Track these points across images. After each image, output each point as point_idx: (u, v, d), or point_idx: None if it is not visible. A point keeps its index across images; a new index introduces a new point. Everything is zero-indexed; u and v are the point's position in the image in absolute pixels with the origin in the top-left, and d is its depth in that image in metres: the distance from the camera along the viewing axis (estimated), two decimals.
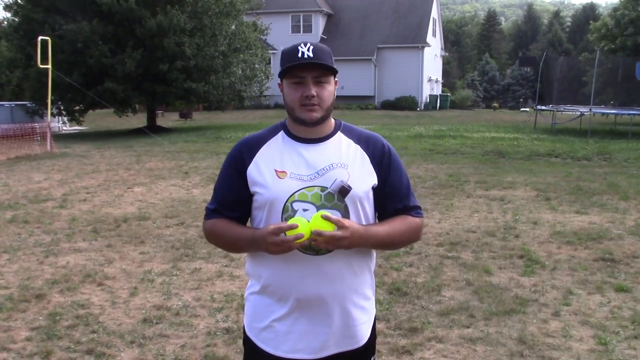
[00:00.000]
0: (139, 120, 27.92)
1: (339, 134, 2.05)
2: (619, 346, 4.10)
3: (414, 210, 2.10)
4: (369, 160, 2.02)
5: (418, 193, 10.05)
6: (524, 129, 24.42)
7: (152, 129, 23.63)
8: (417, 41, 43.47)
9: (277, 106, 41.75)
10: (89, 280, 5.64)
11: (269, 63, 34.79)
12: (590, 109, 22.75)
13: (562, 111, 25.71)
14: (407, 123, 28.01)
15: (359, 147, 2.03)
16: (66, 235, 7.42)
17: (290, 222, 1.82)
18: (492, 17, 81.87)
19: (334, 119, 2.09)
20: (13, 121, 22.71)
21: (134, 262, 6.27)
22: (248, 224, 2.10)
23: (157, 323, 4.58)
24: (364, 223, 1.98)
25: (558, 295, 5.12)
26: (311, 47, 1.91)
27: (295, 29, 44.55)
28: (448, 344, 4.16)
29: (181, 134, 23.67)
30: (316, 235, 1.81)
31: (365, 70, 43.48)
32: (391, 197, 2.06)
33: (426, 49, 43.88)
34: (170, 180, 11.76)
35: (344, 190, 1.91)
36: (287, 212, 1.92)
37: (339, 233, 1.82)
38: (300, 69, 1.91)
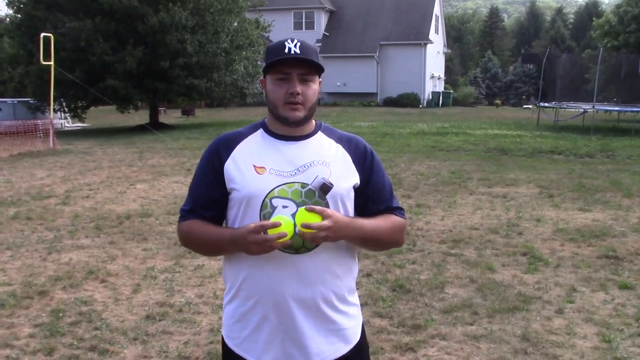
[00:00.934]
0: (141, 117, 27.93)
1: (320, 133, 2.00)
2: (623, 343, 4.09)
3: (398, 211, 2.05)
4: (350, 160, 1.96)
5: (420, 190, 10.04)
6: (527, 126, 24.39)
7: (155, 126, 23.61)
8: (420, 38, 43.40)
9: None
10: (91, 277, 5.64)
11: None
12: (593, 106, 22.69)
13: (564, 108, 25.64)
14: (410, 120, 27.98)
15: (340, 146, 1.98)
16: (69, 232, 7.42)
17: (273, 219, 1.75)
18: (494, 14, 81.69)
19: (314, 119, 2.03)
20: (15, 118, 22.76)
21: (137, 258, 6.27)
22: (223, 225, 2.03)
23: (160, 320, 4.58)
24: None
25: (561, 293, 5.11)
26: (298, 44, 1.86)
27: (298, 25, 44.50)
28: (451, 341, 4.15)
29: (183, 130, 23.68)
30: (305, 227, 1.73)
31: (367, 67, 43.44)
32: (374, 199, 1.99)
33: (428, 45, 43.81)
34: (172, 177, 11.76)
35: (325, 188, 1.84)
36: (266, 208, 1.85)
37: (326, 222, 1.74)
38: (286, 65, 1.86)
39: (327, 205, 1.86)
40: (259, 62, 28.36)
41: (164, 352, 4.05)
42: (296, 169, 1.88)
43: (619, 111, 25.12)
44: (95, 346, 4.11)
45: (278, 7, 42.50)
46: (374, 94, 43.63)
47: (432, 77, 46.36)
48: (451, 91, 49.91)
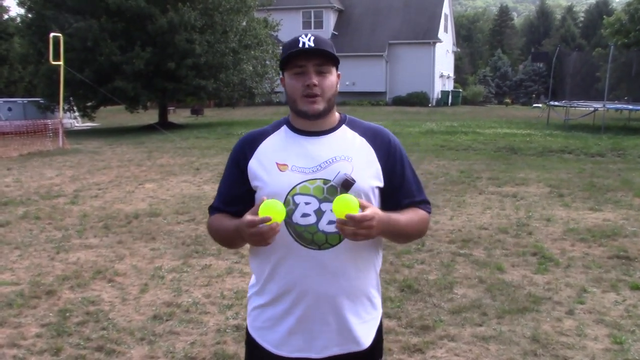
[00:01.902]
0: (150, 116, 28.02)
1: (344, 127, 1.99)
2: (634, 345, 4.03)
3: (424, 204, 2.06)
4: (374, 154, 1.96)
5: (429, 189, 9.99)
6: (537, 125, 24.25)
7: (164, 126, 23.68)
8: (429, 37, 43.27)
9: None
10: (99, 277, 5.64)
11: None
12: (604, 105, 22.53)
13: (575, 107, 25.48)
14: (419, 119, 27.91)
15: (364, 140, 1.97)
16: (77, 231, 7.43)
17: (262, 213, 1.72)
18: (504, 13, 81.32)
19: (339, 112, 2.03)
20: (26, 117, 22.87)
21: (145, 258, 6.26)
22: None
23: (167, 320, 4.56)
24: None
25: (572, 293, 5.05)
26: (312, 37, 1.88)
27: (306, 25, 44.47)
28: (460, 343, 4.11)
29: (192, 130, 23.71)
30: (349, 218, 1.70)
31: (376, 66, 43.36)
32: (403, 192, 2.00)
33: (438, 44, 43.68)
34: (181, 177, 11.77)
35: (347, 184, 1.84)
36: (289, 205, 1.86)
37: (369, 213, 1.73)
38: (301, 58, 1.87)
39: None
40: (267, 62, 28.35)
41: (171, 352, 4.03)
42: (318, 165, 1.89)
43: (630, 110, 24.93)
44: (102, 346, 4.10)
45: (287, 7, 42.49)
46: (383, 93, 43.54)
47: (442, 76, 46.21)
48: (460, 90, 49.72)
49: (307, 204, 1.86)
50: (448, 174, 11.68)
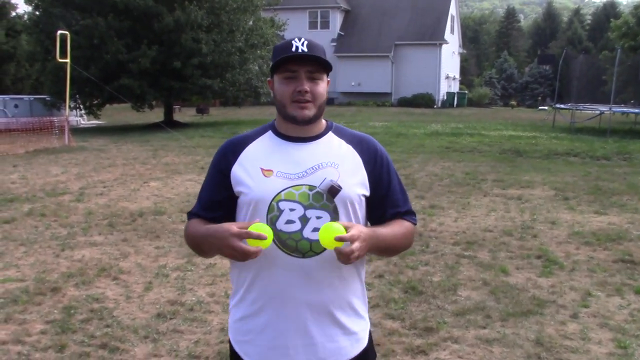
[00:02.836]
0: (156, 115, 28.07)
1: (330, 134, 1.95)
2: (639, 350, 4.02)
3: (409, 215, 2.00)
4: (361, 162, 1.91)
5: (434, 191, 9.98)
6: (542, 128, 24.21)
7: (169, 124, 23.71)
8: (435, 38, 43.25)
9: None
10: (104, 274, 5.65)
11: None
12: (610, 108, 22.47)
13: (581, 110, 25.43)
14: (424, 120, 27.87)
15: (350, 147, 1.93)
16: (82, 228, 7.45)
17: (259, 230, 1.69)
18: (511, 15, 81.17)
19: (325, 119, 1.99)
20: (32, 115, 22.93)
21: (149, 256, 6.28)
22: None
23: (171, 318, 4.57)
24: None
25: (576, 297, 5.04)
26: (305, 42, 1.83)
27: (313, 25, 44.51)
28: (464, 345, 4.10)
29: (198, 129, 23.75)
30: (339, 240, 1.67)
31: (382, 67, 43.35)
32: (388, 201, 1.96)
33: (444, 46, 43.64)
34: (186, 175, 11.78)
35: (333, 190, 1.80)
36: (273, 211, 1.81)
37: (354, 232, 1.69)
38: (293, 63, 1.82)
39: (335, 209, 1.84)
40: None
41: (174, 350, 4.04)
42: (304, 171, 1.85)
43: (636, 113, 24.85)
44: (106, 344, 4.11)
45: (293, 6, 42.49)
46: (389, 94, 43.52)
47: (447, 77, 46.17)
48: (466, 92, 49.67)
49: (291, 210, 1.81)
50: (453, 175, 11.67)
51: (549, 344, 4.10)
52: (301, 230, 1.81)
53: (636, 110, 24.79)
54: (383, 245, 1.88)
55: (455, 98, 45.62)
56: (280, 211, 1.82)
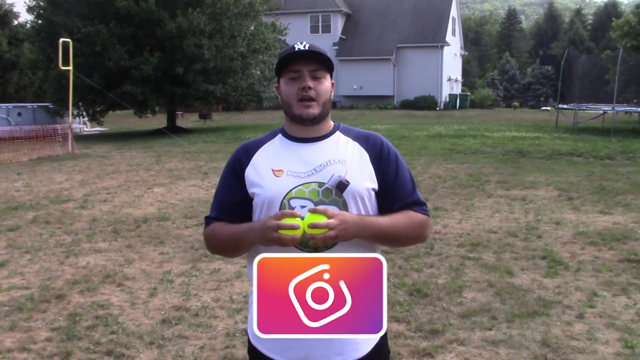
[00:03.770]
0: (159, 121, 28.11)
1: (337, 133, 2.04)
2: None
3: (417, 206, 2.03)
4: (368, 158, 1.99)
5: (438, 193, 9.97)
6: (545, 128, 24.17)
7: (172, 130, 23.75)
8: (437, 40, 43.27)
9: None
10: (108, 281, 5.65)
11: None
12: (613, 107, 22.43)
13: (584, 110, 25.38)
14: (427, 123, 27.86)
15: (356, 144, 2.01)
16: (87, 235, 7.46)
17: (293, 221, 1.76)
18: (512, 16, 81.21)
19: (333, 121, 2.08)
20: (35, 122, 23.00)
21: (154, 262, 6.28)
22: None
23: (176, 324, 4.57)
24: None
25: (582, 297, 5.02)
26: (307, 44, 1.93)
27: (314, 29, 44.56)
28: (470, 347, 4.09)
29: (201, 134, 23.77)
30: (312, 227, 1.74)
31: (384, 69, 43.37)
32: (395, 194, 2.00)
33: (445, 48, 43.64)
34: (189, 181, 11.79)
35: (341, 185, 1.88)
36: (285, 209, 1.90)
37: (333, 221, 1.76)
38: (296, 63, 1.92)
39: (344, 203, 1.91)
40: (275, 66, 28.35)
41: (180, 356, 4.04)
42: (313, 169, 1.93)
43: (639, 112, 24.78)
44: (111, 350, 4.11)
45: (294, 11, 42.58)
46: (391, 97, 43.53)
47: (449, 79, 46.15)
48: (468, 93, 49.63)
49: (302, 207, 1.89)
50: (456, 177, 11.65)
51: (555, 344, 4.08)
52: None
53: (639, 110, 24.73)
54: (379, 233, 1.91)
55: (458, 100, 45.58)
56: (292, 208, 1.89)
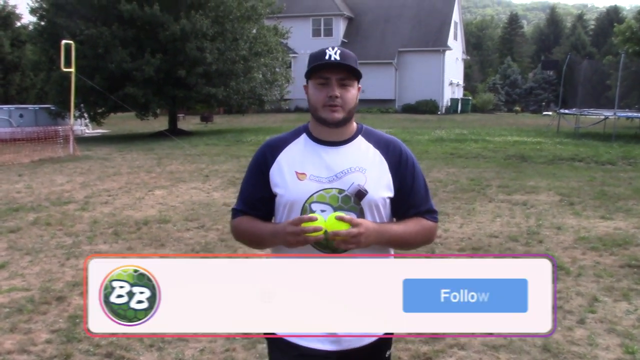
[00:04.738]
0: (160, 123, 28.14)
1: (360, 137, 2.13)
2: None
3: (429, 214, 2.17)
4: (387, 166, 2.09)
5: (439, 197, 9.96)
6: (547, 133, 24.16)
7: (174, 132, 23.77)
8: (438, 45, 43.25)
9: (297, 110, 41.83)
10: None
11: (290, 67, 34.95)
12: (615, 113, 22.41)
13: (585, 115, 25.36)
14: (428, 127, 27.86)
15: (377, 151, 2.11)
16: (87, 237, 7.46)
17: (315, 224, 1.90)
18: (514, 21, 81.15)
19: (356, 122, 2.16)
20: (37, 124, 23.02)
21: None
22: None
23: None
24: None
25: (583, 302, 5.02)
26: (338, 51, 2.01)
27: (316, 32, 44.57)
28: (470, 351, 4.08)
29: (202, 137, 23.78)
30: (333, 235, 1.88)
31: (386, 73, 43.34)
32: (410, 202, 2.12)
33: (447, 52, 43.64)
34: (190, 183, 11.79)
35: (360, 194, 1.99)
36: (306, 212, 2.01)
37: (354, 230, 1.90)
38: (325, 71, 2.00)
39: (361, 211, 2.03)
40: (277, 69, 28.39)
41: (180, 359, 4.04)
42: (334, 175, 2.04)
43: None
44: (111, 353, 4.11)
45: (297, 14, 42.58)
46: (392, 101, 43.52)
47: (451, 83, 46.15)
48: (470, 98, 49.59)
49: (322, 211, 1.99)
50: (458, 181, 11.65)
51: (556, 350, 4.08)
52: (325, 231, 1.96)
53: None
54: (392, 239, 2.06)
55: (459, 104, 45.54)
56: (312, 212, 2.01)
